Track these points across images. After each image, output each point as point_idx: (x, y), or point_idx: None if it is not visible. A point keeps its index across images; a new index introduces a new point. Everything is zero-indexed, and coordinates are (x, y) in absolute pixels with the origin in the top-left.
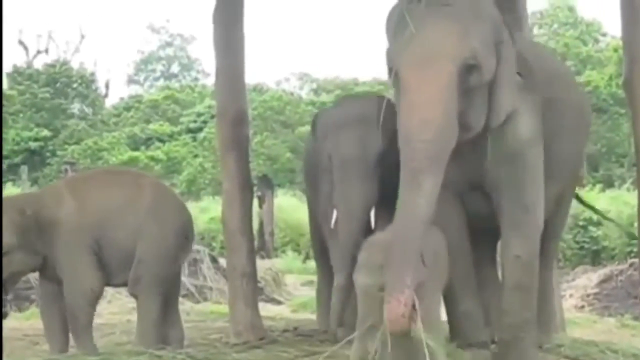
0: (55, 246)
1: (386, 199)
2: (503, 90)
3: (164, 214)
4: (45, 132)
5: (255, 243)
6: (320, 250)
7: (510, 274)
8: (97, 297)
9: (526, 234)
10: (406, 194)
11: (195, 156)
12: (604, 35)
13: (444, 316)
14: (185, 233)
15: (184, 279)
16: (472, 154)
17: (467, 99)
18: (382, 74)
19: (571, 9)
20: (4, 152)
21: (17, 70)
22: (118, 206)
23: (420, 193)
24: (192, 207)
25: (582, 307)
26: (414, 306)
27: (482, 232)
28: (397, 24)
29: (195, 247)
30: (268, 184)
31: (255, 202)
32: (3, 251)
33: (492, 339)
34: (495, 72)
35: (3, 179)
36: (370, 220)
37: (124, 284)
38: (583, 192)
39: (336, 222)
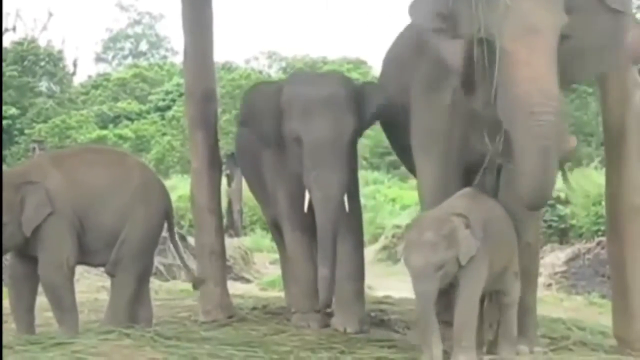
0: None
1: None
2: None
3: (151, 197)
4: (13, 111)
5: (224, 221)
6: (277, 230)
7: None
8: (71, 272)
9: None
10: (537, 180)
11: (164, 134)
12: None
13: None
14: (167, 216)
15: None
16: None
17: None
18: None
19: None
20: None
21: None
22: (105, 186)
23: (552, 177)
24: None
25: (550, 285)
26: None
27: None
28: None
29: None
30: (236, 162)
31: (224, 180)
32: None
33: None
34: None
35: None
36: (344, 205)
37: (102, 264)
38: None
39: (309, 206)
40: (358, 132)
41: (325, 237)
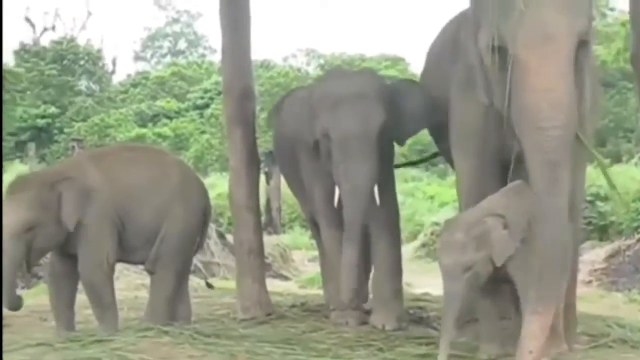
0: (79, 219)
1: (385, 175)
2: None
3: (190, 195)
4: (53, 109)
5: (262, 219)
6: (316, 227)
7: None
8: (111, 270)
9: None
10: (547, 193)
11: (203, 132)
12: (612, 10)
13: None
14: (205, 213)
15: None
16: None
17: (577, 78)
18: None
19: None
20: (12, 130)
21: (24, 48)
22: (144, 184)
23: (562, 191)
24: None
25: (590, 282)
26: None
27: None
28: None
29: None
30: (275, 160)
31: (263, 178)
32: (26, 227)
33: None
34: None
35: (11, 156)
36: (375, 198)
37: (142, 262)
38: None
39: (339, 200)
40: (390, 128)
41: (352, 226)
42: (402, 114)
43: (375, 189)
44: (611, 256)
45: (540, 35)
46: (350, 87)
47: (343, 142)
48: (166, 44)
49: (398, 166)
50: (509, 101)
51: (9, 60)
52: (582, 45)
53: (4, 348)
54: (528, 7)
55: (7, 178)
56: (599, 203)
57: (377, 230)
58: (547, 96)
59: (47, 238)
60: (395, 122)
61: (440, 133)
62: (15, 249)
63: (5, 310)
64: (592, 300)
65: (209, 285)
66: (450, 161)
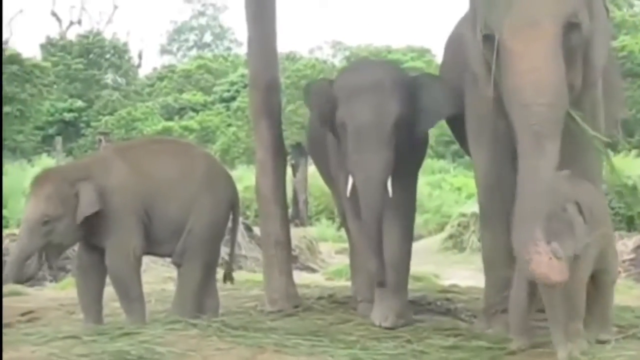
0: (104, 213)
1: (402, 167)
2: (597, 46)
3: (217, 187)
4: (79, 103)
5: (289, 211)
6: (345, 219)
7: None
8: (138, 262)
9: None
10: (530, 158)
11: (229, 125)
12: None
13: (480, 284)
14: (233, 205)
15: None
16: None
17: (569, 59)
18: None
19: None
20: (39, 124)
21: (50, 42)
22: (171, 176)
23: (545, 156)
24: None
25: (618, 273)
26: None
27: None
28: None
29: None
30: (301, 152)
31: (289, 170)
32: (43, 220)
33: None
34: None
35: (38, 150)
36: (388, 190)
37: (169, 255)
38: (618, 158)
39: (353, 190)
40: (408, 120)
41: (370, 223)
42: (421, 106)
43: (389, 180)
44: (639, 247)
45: (524, 20)
46: (367, 78)
47: (357, 133)
48: (192, 37)
49: None
50: (498, 85)
51: (36, 54)
52: (572, 27)
53: (34, 341)
54: None
55: (35, 172)
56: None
57: (389, 222)
58: (530, 76)
59: (65, 233)
60: (414, 114)
61: (457, 125)
62: (29, 240)
63: (34, 304)
64: (620, 292)
65: (228, 278)
66: (468, 152)
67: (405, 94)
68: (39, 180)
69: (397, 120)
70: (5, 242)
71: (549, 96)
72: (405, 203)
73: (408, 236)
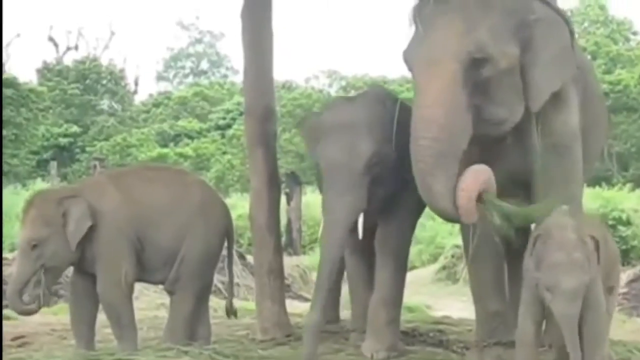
0: (95, 238)
1: (378, 204)
2: (539, 70)
3: (211, 214)
4: (75, 128)
5: (283, 240)
6: None
7: None
8: (130, 289)
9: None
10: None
11: (224, 153)
12: (635, 34)
13: (472, 316)
14: (227, 233)
15: None
16: (516, 147)
17: (485, 92)
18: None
19: (602, 8)
20: (35, 148)
21: (47, 67)
22: (165, 203)
23: (431, 197)
24: None
25: None
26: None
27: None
28: (413, 25)
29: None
30: (296, 180)
31: (283, 199)
32: (31, 245)
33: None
34: (525, 55)
35: (33, 175)
36: (358, 228)
37: (162, 282)
38: (613, 192)
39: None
40: (389, 157)
41: (324, 263)
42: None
43: (361, 220)
44: (633, 281)
45: (427, 58)
46: (341, 117)
47: (327, 172)
48: (188, 64)
49: None
50: None
51: (32, 78)
52: (480, 62)
53: None
54: (426, 31)
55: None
56: (620, 227)
57: (383, 256)
58: (423, 112)
59: (56, 255)
60: (401, 149)
61: None
62: (22, 267)
63: (26, 328)
64: (613, 325)
65: (231, 312)
66: None
67: (386, 132)
68: (26, 205)
69: (370, 161)
70: None
71: (434, 131)
72: (400, 238)
73: (401, 271)
